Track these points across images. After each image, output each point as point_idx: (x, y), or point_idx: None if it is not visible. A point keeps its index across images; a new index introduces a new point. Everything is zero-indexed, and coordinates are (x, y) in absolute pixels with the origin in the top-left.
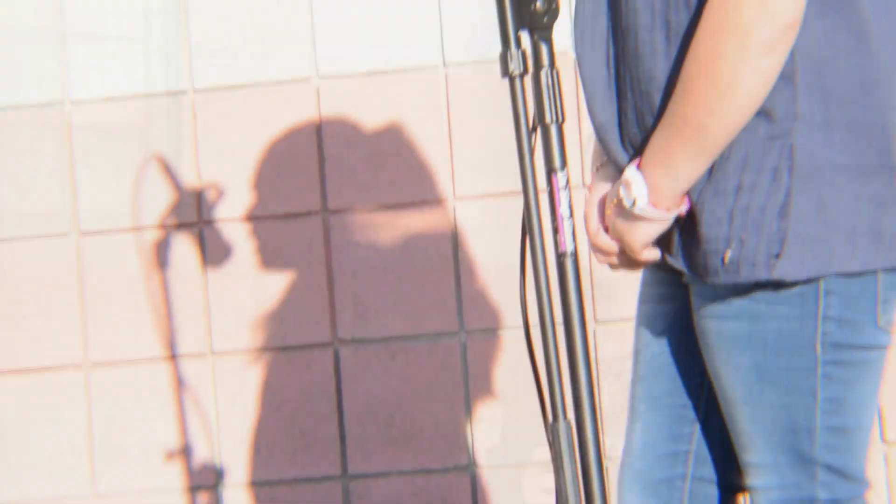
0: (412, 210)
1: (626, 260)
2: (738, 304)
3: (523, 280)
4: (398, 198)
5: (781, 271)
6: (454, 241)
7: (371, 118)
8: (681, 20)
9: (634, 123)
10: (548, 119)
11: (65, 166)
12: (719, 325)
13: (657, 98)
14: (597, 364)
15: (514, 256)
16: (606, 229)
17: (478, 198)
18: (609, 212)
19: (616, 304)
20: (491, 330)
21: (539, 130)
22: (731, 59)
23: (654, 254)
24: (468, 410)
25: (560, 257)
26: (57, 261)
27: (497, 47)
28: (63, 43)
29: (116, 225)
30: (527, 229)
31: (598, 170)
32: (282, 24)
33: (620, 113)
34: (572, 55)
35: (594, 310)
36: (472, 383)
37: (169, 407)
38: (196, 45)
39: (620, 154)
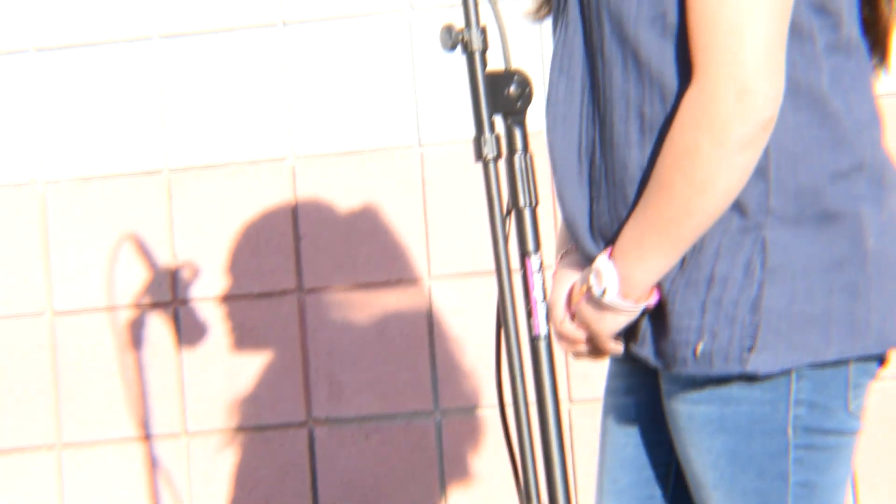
0: (387, 289)
1: (592, 349)
2: (709, 389)
3: (499, 365)
4: (373, 277)
5: (755, 365)
6: (429, 320)
7: (346, 198)
8: (655, 112)
9: (606, 213)
10: (521, 203)
11: (39, 246)
12: (690, 409)
13: (630, 189)
14: (572, 444)
15: (489, 336)
16: (572, 317)
17: (453, 277)
18: (576, 299)
19: (591, 383)
20: (466, 409)
21: (513, 214)
22: (708, 155)
23: (618, 348)
24: (443, 490)
25: (534, 341)
26: (31, 340)
27: (471, 127)
28: (38, 123)
29: (91, 304)
30: (501, 313)
31: (562, 257)
32: (258, 105)
33: (591, 201)
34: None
35: (569, 390)
36: (446, 463)
37: (142, 488)
38: (171, 126)
39: (589, 243)
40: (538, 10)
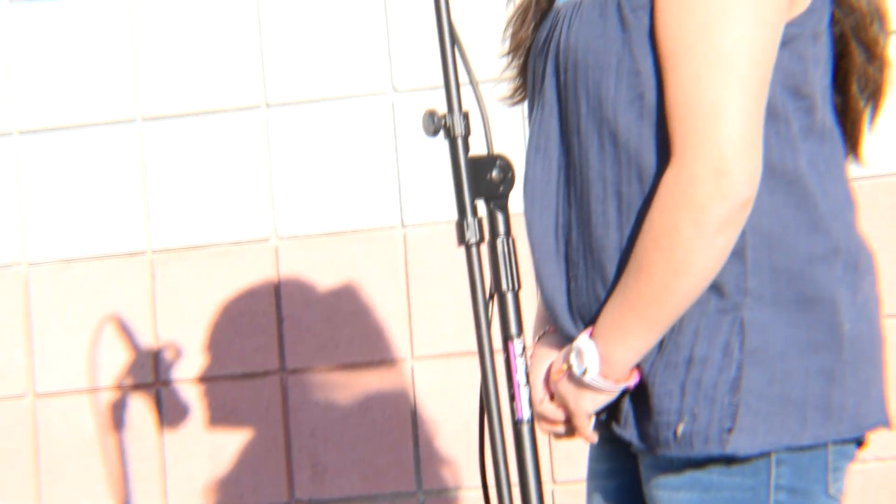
0: (370, 370)
1: (571, 429)
2: (689, 474)
3: (482, 448)
4: (356, 357)
5: (735, 446)
6: (412, 401)
7: (329, 278)
8: (633, 192)
9: (585, 292)
10: (504, 287)
11: (21, 328)
12: (670, 496)
13: (609, 268)
14: None
15: (472, 416)
16: (551, 397)
17: (436, 358)
18: (556, 378)
19: (574, 464)
20: (449, 491)
21: (496, 298)
22: (687, 236)
23: (593, 437)
24: None
25: (517, 425)
26: (12, 423)
27: (454, 208)
28: (21, 205)
29: (73, 386)
30: (483, 397)
31: (540, 339)
32: (241, 186)
33: (570, 280)
34: None
35: (552, 471)
36: None
37: None
38: (154, 207)
39: (568, 323)
40: (513, 94)
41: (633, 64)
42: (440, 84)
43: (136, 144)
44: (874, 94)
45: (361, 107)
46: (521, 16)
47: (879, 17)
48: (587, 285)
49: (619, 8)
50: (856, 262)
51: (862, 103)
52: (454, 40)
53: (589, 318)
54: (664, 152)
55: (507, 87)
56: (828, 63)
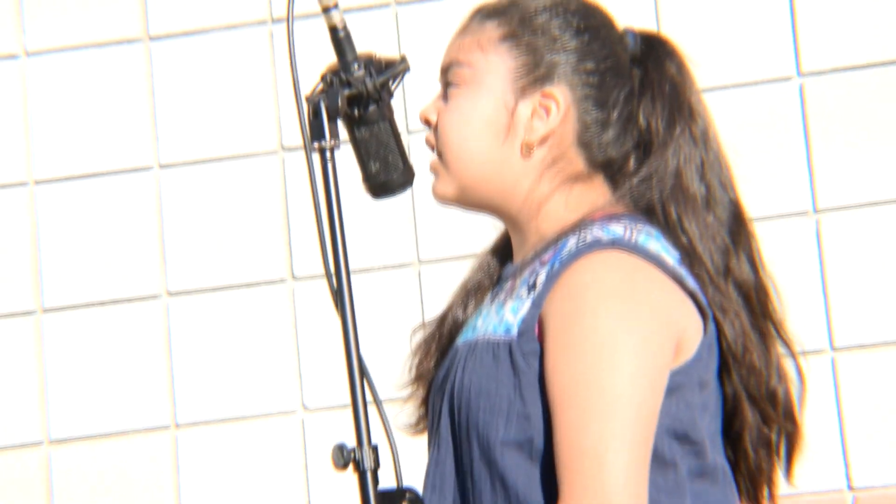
0: None
1: None
2: None
3: None
4: None
5: None
6: None
7: None
8: None
9: None
10: None
11: None
12: None
13: None
14: None
15: None
16: None
17: None
18: None
19: None
20: None
21: None
22: None
23: None
24: None
25: None
26: None
27: None
28: None
29: None
30: None
31: None
32: (146, 481)
33: None
34: None
35: None
36: None
37: None
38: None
39: None
40: (417, 423)
41: (523, 408)
42: (348, 404)
43: (38, 421)
44: (786, 452)
45: (271, 427)
46: (426, 348)
47: (779, 371)
48: None
49: (511, 353)
50: None
51: (762, 460)
52: (363, 373)
53: None
54: (553, 496)
55: (410, 415)
56: (716, 410)
